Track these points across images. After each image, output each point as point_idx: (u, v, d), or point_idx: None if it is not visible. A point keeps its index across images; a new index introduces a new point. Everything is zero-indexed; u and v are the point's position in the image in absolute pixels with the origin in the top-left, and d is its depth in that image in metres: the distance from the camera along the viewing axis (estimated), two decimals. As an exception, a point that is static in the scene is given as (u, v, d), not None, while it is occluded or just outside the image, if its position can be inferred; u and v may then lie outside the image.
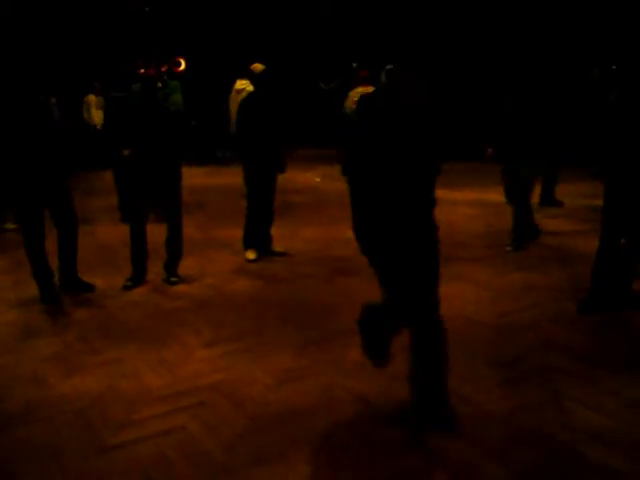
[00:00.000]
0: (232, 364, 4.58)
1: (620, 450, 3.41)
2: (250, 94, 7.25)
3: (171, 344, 4.97)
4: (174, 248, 6.51)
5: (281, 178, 7.37)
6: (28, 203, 5.86)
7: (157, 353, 4.82)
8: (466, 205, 9.69)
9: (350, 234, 3.74)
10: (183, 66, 7.40)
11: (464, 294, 5.88)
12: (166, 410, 3.97)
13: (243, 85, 10.62)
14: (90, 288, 6.27)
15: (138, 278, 6.45)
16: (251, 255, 7.21)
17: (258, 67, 7.06)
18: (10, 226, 8.75)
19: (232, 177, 13.21)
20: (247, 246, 7.27)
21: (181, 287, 6.34)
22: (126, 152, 6.32)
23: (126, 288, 6.32)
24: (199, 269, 6.91)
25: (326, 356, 4.66)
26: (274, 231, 7.39)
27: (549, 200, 9.55)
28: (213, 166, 14.57)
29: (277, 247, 7.39)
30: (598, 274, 5.40)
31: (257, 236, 7.27)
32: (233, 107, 10.60)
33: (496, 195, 8.06)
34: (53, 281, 6.12)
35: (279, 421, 3.80)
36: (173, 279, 6.48)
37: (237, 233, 7.32)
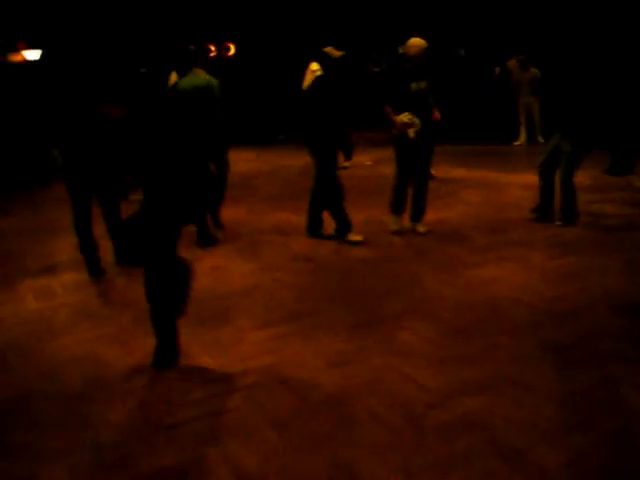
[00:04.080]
0: (284, 346, 4.63)
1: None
2: (321, 77, 7.25)
3: (225, 326, 5.05)
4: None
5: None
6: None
7: (211, 335, 4.90)
8: (518, 187, 9.57)
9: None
10: (233, 51, 7.48)
11: (514, 276, 5.84)
12: (220, 391, 4.04)
13: (318, 66, 10.74)
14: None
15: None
16: (356, 237, 7.18)
17: (334, 52, 7.03)
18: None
19: (283, 159, 13.38)
20: (348, 229, 7.23)
21: (235, 270, 6.41)
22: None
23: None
24: (251, 253, 6.98)
25: (377, 338, 4.68)
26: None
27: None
28: (263, 148, 14.68)
29: (328, 230, 7.41)
30: None
31: (315, 218, 7.31)
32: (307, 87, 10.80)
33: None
34: (98, 255, 6.41)
35: (331, 403, 3.84)
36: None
37: (289, 217, 7.38)
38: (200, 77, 7.22)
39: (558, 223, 7.48)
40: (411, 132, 6.83)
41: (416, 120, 6.87)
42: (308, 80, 11.13)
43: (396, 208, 7.43)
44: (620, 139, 10.10)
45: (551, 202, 7.65)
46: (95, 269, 6.37)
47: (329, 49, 7.03)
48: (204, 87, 7.14)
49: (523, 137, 14.43)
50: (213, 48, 16.16)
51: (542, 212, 7.70)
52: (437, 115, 7.21)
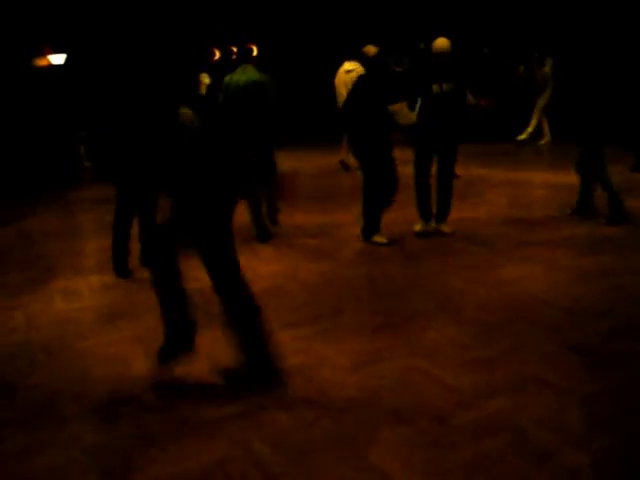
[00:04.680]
0: (308, 347, 4.63)
1: None
2: (364, 76, 7.23)
3: (249, 327, 5.05)
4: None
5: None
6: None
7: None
8: (543, 186, 9.52)
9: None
10: (255, 52, 7.56)
11: (538, 276, 5.81)
12: (244, 392, 4.05)
13: (353, 66, 10.92)
14: None
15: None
16: (382, 239, 7.15)
17: (371, 49, 7.00)
18: None
19: (304, 161, 13.38)
20: (375, 230, 7.20)
21: (258, 271, 6.42)
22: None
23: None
24: (274, 253, 7.00)
25: (402, 339, 4.68)
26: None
27: None
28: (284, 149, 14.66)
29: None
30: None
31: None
32: (340, 87, 11.08)
33: (569, 177, 7.94)
34: (127, 258, 6.45)
35: (356, 403, 3.84)
36: None
37: (311, 218, 7.38)
38: (251, 72, 7.36)
39: (602, 221, 7.47)
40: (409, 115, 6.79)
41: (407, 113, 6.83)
42: (342, 79, 11.18)
43: (421, 212, 7.40)
44: None
45: (586, 200, 7.68)
46: (122, 271, 6.43)
47: (367, 48, 6.99)
48: (256, 81, 7.27)
49: (547, 135, 14.31)
50: (235, 49, 16.25)
51: (578, 211, 7.80)
52: (487, 102, 7.18)
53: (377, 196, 7.04)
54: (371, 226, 7.16)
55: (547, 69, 14.01)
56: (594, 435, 3.38)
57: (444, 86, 6.90)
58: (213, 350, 4.65)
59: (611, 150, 7.60)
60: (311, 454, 3.37)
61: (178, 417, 3.80)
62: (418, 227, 7.38)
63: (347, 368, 4.28)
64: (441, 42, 6.95)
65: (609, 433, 3.39)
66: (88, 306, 5.78)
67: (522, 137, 14.34)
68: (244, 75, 7.34)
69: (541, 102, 14.12)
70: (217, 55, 15.07)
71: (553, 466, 3.15)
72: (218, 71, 7.76)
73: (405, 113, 6.79)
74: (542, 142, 14.26)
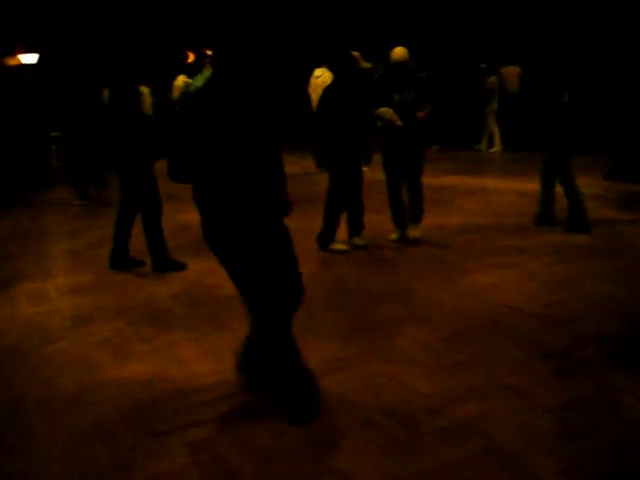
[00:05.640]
0: (279, 352, 4.61)
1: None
2: (331, 86, 7.16)
3: (219, 331, 5.03)
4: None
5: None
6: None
7: (205, 340, 4.89)
8: (513, 194, 9.59)
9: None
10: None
11: (511, 283, 5.83)
12: (215, 397, 4.02)
13: (321, 72, 11.41)
14: (140, 263, 6.72)
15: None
16: (341, 246, 7.13)
17: (363, 62, 6.90)
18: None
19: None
20: (330, 240, 7.17)
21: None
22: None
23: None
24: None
25: (372, 345, 4.67)
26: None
27: None
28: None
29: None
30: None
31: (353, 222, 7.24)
32: (312, 92, 11.53)
33: (536, 185, 8.01)
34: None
35: (326, 409, 3.81)
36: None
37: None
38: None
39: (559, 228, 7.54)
40: (394, 119, 6.79)
41: (393, 116, 6.82)
42: (312, 85, 11.31)
43: (395, 221, 7.42)
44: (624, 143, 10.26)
45: (549, 208, 7.76)
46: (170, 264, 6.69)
47: (357, 55, 6.92)
48: None
49: (498, 143, 14.56)
50: (209, 52, 16.22)
51: (541, 219, 7.85)
52: (421, 115, 7.11)
53: (339, 202, 7.06)
54: (328, 233, 7.15)
55: (494, 79, 14.34)
56: (563, 442, 3.39)
57: (404, 95, 6.93)
58: (189, 356, 4.62)
59: (582, 160, 7.69)
60: (281, 460, 3.35)
61: (146, 424, 3.77)
62: (394, 236, 7.40)
63: (317, 374, 4.24)
64: (398, 52, 6.94)
65: (578, 440, 3.41)
66: (56, 309, 5.71)
67: (495, 149, 14.52)
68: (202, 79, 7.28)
69: (489, 111, 14.44)
70: (191, 58, 15.01)
71: (522, 472, 3.16)
72: (194, 74, 7.74)
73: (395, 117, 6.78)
74: (493, 149, 14.51)
